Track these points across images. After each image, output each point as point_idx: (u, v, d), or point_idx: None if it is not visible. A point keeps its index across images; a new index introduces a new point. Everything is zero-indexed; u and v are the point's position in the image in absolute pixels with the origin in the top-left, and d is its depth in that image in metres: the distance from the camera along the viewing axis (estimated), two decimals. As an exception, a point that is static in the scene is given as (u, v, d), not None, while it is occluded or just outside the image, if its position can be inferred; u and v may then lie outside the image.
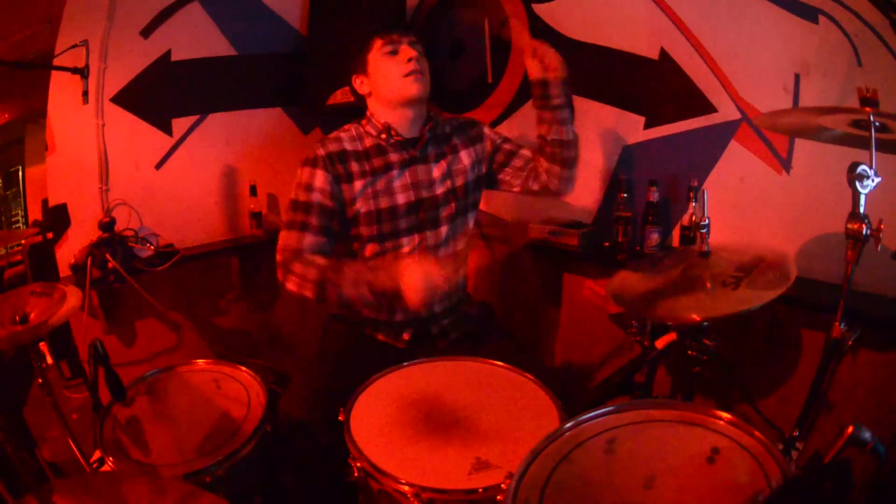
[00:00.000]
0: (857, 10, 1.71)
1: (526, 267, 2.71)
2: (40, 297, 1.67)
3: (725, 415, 1.03)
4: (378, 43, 1.73)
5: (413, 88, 1.70)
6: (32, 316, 1.59)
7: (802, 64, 1.87)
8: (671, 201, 2.20)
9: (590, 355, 2.53)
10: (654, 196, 2.14)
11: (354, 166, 1.73)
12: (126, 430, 1.41)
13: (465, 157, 1.87)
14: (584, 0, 2.37)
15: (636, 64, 2.23)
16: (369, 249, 1.77)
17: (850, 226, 1.30)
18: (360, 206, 1.72)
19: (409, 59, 1.70)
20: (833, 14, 1.77)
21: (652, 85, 2.21)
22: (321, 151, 1.73)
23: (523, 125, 2.68)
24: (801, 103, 1.89)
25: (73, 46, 2.28)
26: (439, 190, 1.80)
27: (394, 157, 1.76)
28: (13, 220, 2.47)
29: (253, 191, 2.76)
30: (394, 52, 1.71)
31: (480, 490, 1.10)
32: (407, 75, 1.69)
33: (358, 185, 1.72)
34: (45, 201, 2.36)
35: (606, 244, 2.35)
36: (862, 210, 1.29)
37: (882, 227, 1.29)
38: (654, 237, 2.15)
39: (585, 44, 2.37)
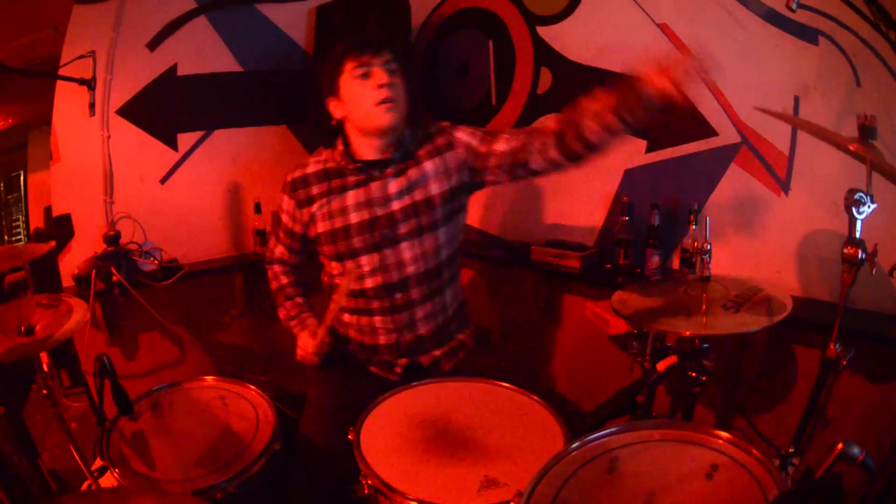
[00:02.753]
0: (856, 31, 1.76)
1: (527, 288, 2.75)
2: (46, 308, 1.68)
3: (723, 433, 1.09)
4: (349, 65, 1.65)
5: (385, 118, 1.64)
6: (38, 328, 1.61)
7: (802, 86, 1.93)
8: (672, 224, 2.26)
9: (591, 376, 2.58)
10: (655, 219, 2.20)
11: (315, 189, 1.76)
12: (132, 445, 1.44)
13: (431, 167, 1.73)
14: (587, 24, 2.45)
15: (638, 88, 2.31)
16: (334, 268, 1.81)
17: (846, 251, 1.35)
18: (319, 227, 1.76)
19: (381, 86, 1.62)
20: (833, 35, 1.83)
21: (654, 109, 2.28)
22: (288, 178, 1.81)
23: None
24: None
25: (81, 57, 2.33)
26: (396, 206, 1.70)
27: (351, 178, 1.74)
28: (14, 225, 2.49)
29: (257, 208, 2.81)
30: (366, 76, 1.64)
31: None
32: (379, 104, 1.63)
33: (315, 206, 1.76)
34: (47, 209, 2.40)
35: (608, 266, 2.41)
36: (858, 235, 1.34)
37: (877, 250, 1.34)
38: (655, 260, 2.22)
39: (588, 67, 2.45)
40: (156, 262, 2.46)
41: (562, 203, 2.69)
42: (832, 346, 1.41)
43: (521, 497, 1.02)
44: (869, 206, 1.33)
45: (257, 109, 2.90)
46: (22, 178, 2.49)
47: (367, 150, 1.73)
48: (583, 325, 2.51)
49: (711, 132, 2.14)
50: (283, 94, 2.94)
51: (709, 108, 2.14)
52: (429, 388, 1.59)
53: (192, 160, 2.70)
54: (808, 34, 1.88)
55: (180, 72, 2.61)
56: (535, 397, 1.51)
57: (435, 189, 1.72)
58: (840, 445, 0.74)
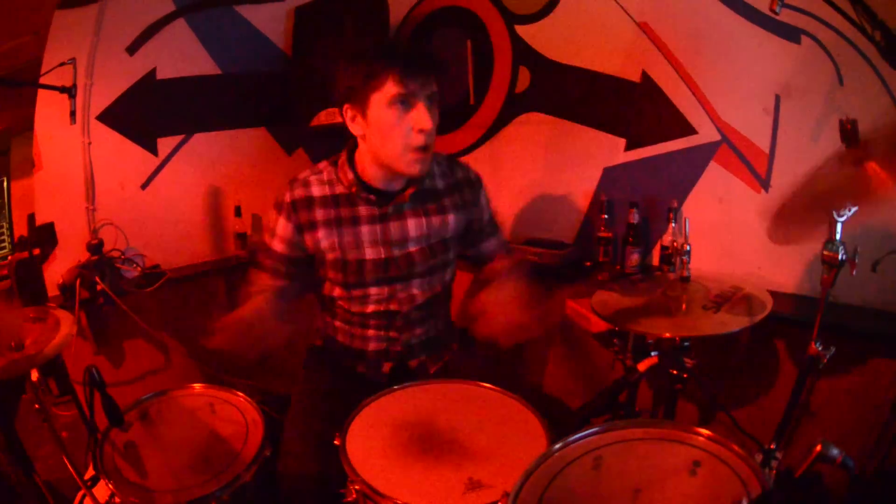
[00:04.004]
0: (840, 29, 1.78)
1: None
2: (34, 322, 1.68)
3: (705, 431, 1.13)
4: (390, 83, 1.41)
5: (414, 168, 1.50)
6: (27, 342, 1.61)
7: (783, 85, 1.97)
8: (651, 221, 2.32)
9: (574, 372, 2.62)
10: (635, 217, 2.25)
11: (319, 213, 1.62)
12: (125, 456, 1.45)
13: (453, 219, 1.69)
14: (567, 23, 2.47)
15: (618, 86, 2.34)
16: (337, 292, 1.72)
17: (825, 253, 1.37)
18: (327, 254, 1.64)
19: (422, 131, 1.45)
20: (816, 34, 1.86)
21: (633, 107, 2.32)
22: (288, 198, 1.63)
23: (504, 147, 2.80)
24: (781, 124, 1.99)
25: (61, 64, 2.33)
26: (413, 248, 1.65)
27: (363, 210, 1.62)
28: None
29: (237, 212, 2.84)
30: (406, 106, 1.44)
31: None
32: (413, 150, 1.47)
33: (321, 233, 1.62)
34: (31, 217, 2.40)
35: (588, 263, 2.46)
36: (838, 237, 1.36)
37: (858, 252, 1.36)
38: (635, 257, 2.27)
39: (568, 66, 2.48)
40: (138, 268, 2.47)
41: (542, 201, 2.72)
42: (813, 346, 1.44)
43: (507, 497, 1.05)
44: (850, 209, 1.34)
45: (236, 112, 2.91)
46: (5, 184, 2.48)
47: (381, 180, 1.60)
48: (565, 323, 2.54)
49: (691, 130, 2.18)
50: (261, 95, 2.95)
51: (688, 106, 2.18)
52: (413, 390, 1.60)
53: (173, 164, 2.71)
54: (790, 33, 1.91)
55: (160, 75, 2.62)
56: (518, 398, 1.53)
57: (452, 233, 1.71)
58: (818, 447, 0.78)
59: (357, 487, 1.26)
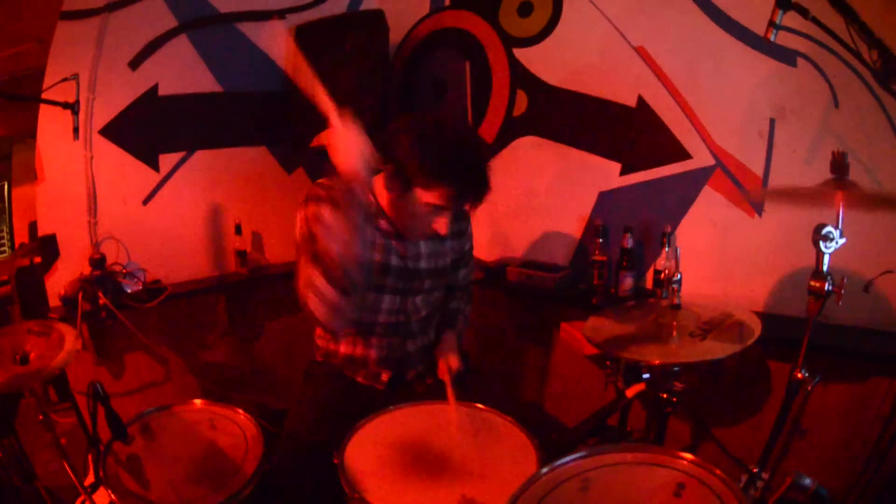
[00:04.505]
0: (836, 51, 1.82)
1: (503, 306, 2.84)
2: (38, 336, 1.73)
3: (688, 455, 1.18)
4: (441, 190, 1.58)
5: (416, 236, 1.77)
6: (32, 356, 1.65)
7: (778, 108, 2.02)
8: (645, 245, 2.38)
9: (567, 393, 2.68)
10: (629, 242, 2.31)
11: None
12: (128, 469, 1.49)
13: (450, 245, 1.92)
14: (564, 47, 2.54)
15: (614, 111, 2.40)
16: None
17: (812, 283, 1.43)
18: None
19: (440, 227, 1.66)
20: (812, 56, 1.91)
21: (629, 132, 2.38)
22: (324, 192, 1.64)
23: (502, 169, 2.81)
24: (775, 148, 2.05)
25: (64, 80, 2.37)
26: (423, 265, 1.85)
27: (383, 223, 1.77)
28: None
29: (238, 230, 2.88)
30: (437, 210, 1.63)
31: None
32: (424, 228, 1.69)
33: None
34: (32, 224, 2.43)
35: (583, 286, 2.52)
36: (825, 268, 1.41)
37: (844, 283, 1.41)
38: (629, 281, 2.33)
39: (564, 90, 2.56)
40: (140, 283, 2.51)
41: (538, 223, 2.79)
42: (798, 372, 1.49)
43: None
44: (837, 242, 1.39)
45: (237, 130, 2.95)
46: (6, 189, 2.51)
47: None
48: (558, 344, 2.61)
49: (685, 155, 2.24)
50: (262, 114, 2.99)
51: (683, 130, 2.24)
52: (408, 410, 1.66)
53: (174, 181, 2.74)
54: (786, 56, 1.96)
55: (161, 91, 2.65)
56: (510, 418, 1.59)
57: (451, 260, 1.93)
58: (789, 478, 0.83)
59: (356, 505, 1.31)
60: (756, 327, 1.63)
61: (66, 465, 1.65)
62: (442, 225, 1.66)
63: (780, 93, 2.01)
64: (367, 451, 1.48)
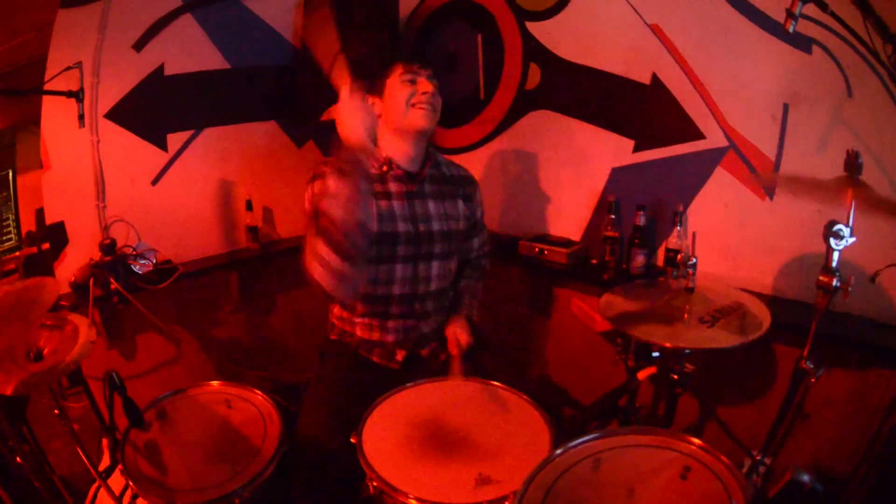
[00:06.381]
0: (852, 42, 1.85)
1: (515, 281, 2.92)
2: (52, 330, 1.74)
3: (696, 440, 1.27)
4: (399, 69, 1.90)
5: (421, 121, 1.88)
6: (46, 352, 1.67)
7: (792, 94, 2.05)
8: (657, 223, 2.43)
9: (577, 368, 2.77)
10: (641, 220, 2.38)
11: None
12: (147, 457, 1.56)
13: (461, 207, 2.07)
14: (578, 21, 2.57)
15: (628, 88, 2.44)
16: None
17: (821, 278, 1.48)
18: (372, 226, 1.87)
19: (424, 93, 1.88)
20: (827, 44, 1.94)
21: (642, 109, 2.42)
22: (328, 168, 1.69)
23: (514, 142, 2.92)
24: (788, 133, 2.08)
25: (67, 69, 2.38)
26: (436, 227, 1.97)
27: (393, 186, 1.92)
28: (4, 224, 2.54)
29: (249, 205, 2.95)
30: (412, 82, 1.89)
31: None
32: (418, 106, 1.87)
33: (372, 204, 1.82)
34: (39, 211, 2.47)
35: (594, 261, 2.59)
36: (835, 265, 1.46)
37: (851, 281, 1.46)
38: (640, 258, 2.40)
39: (578, 65, 2.59)
40: (151, 264, 2.56)
41: (551, 198, 2.84)
42: (804, 364, 1.55)
43: (514, 497, 1.20)
44: (847, 240, 1.44)
45: (246, 106, 3.00)
46: (11, 177, 2.54)
47: (403, 157, 1.95)
48: (569, 319, 2.68)
49: (699, 135, 2.28)
50: (271, 89, 3.04)
51: (697, 110, 2.27)
52: (423, 388, 1.75)
53: (183, 160, 2.80)
54: (801, 42, 1.99)
55: (167, 71, 2.68)
56: (524, 396, 1.68)
57: (462, 225, 2.07)
58: (788, 474, 0.90)
59: (375, 484, 1.40)
60: (765, 321, 1.68)
61: (81, 453, 1.69)
62: (425, 84, 1.88)
63: (795, 78, 2.04)
64: (384, 430, 1.57)
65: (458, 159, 3.00)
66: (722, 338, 1.61)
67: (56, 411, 1.76)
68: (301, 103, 3.04)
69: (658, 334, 1.65)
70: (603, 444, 1.32)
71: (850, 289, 1.46)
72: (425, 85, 1.89)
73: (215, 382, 1.88)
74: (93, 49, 2.47)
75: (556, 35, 2.66)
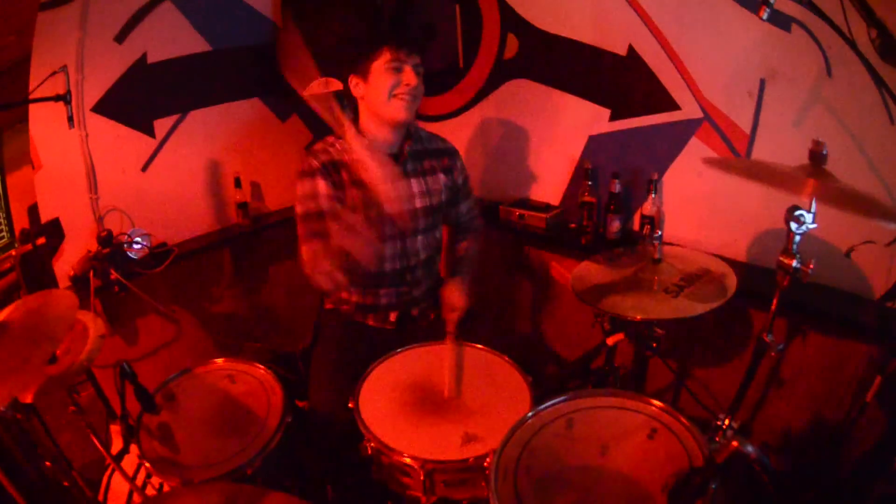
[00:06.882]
0: (834, 22, 1.82)
1: (495, 245, 3.01)
2: None
3: (657, 402, 1.44)
4: (386, 55, 1.91)
5: (402, 113, 1.95)
6: (59, 353, 1.73)
7: (769, 70, 2.10)
8: (633, 189, 2.55)
9: (558, 328, 2.93)
10: (616, 187, 2.50)
11: (345, 175, 1.98)
12: (161, 440, 1.68)
13: (442, 179, 2.17)
14: (554, -7, 2.61)
15: (604, 58, 2.51)
16: None
17: (782, 258, 1.56)
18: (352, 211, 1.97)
19: (408, 84, 1.92)
20: (807, 23, 1.97)
21: (618, 79, 2.50)
22: (316, 163, 1.96)
23: (493, 110, 3.02)
24: (763, 109, 2.15)
25: (53, 73, 2.40)
26: (419, 204, 2.09)
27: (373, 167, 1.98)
28: None
29: (237, 182, 3.06)
30: (397, 70, 1.92)
31: (471, 460, 1.46)
32: (400, 97, 1.92)
33: (350, 192, 1.97)
34: (31, 208, 2.51)
35: (573, 226, 2.73)
36: (795, 248, 1.53)
37: (811, 266, 1.53)
38: (616, 224, 2.54)
39: (556, 36, 2.66)
40: (146, 249, 2.68)
41: (530, 164, 2.96)
42: (765, 336, 1.65)
43: (494, 454, 1.36)
44: (807, 226, 1.49)
45: (229, 85, 3.07)
46: None
47: (382, 140, 2.03)
48: (549, 281, 2.83)
49: (674, 106, 2.36)
50: (253, 67, 3.11)
51: (672, 82, 2.35)
52: (415, 352, 1.92)
53: (171, 144, 2.88)
54: (780, 20, 2.01)
55: (150, 59, 2.73)
56: (506, 358, 1.85)
57: (444, 197, 2.18)
58: (734, 443, 1.03)
59: (372, 444, 1.57)
60: (731, 286, 1.79)
61: (97, 442, 1.77)
62: (410, 76, 1.92)
63: (773, 55, 2.07)
64: (378, 394, 1.74)
65: (440, 126, 3.17)
66: (686, 307, 1.73)
67: (72, 408, 1.85)
68: (283, 79, 3.07)
69: (625, 305, 1.79)
70: (574, 405, 1.49)
71: (809, 270, 1.52)
72: (410, 76, 1.93)
73: (219, 360, 1.99)
74: (75, 47, 2.50)
75: (532, 6, 2.72)
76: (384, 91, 1.93)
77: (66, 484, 1.58)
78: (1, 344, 1.33)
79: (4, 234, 2.52)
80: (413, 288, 2.16)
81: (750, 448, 1.02)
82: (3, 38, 2.39)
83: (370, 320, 2.16)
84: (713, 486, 1.09)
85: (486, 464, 1.45)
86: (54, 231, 2.56)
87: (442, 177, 2.18)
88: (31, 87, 2.37)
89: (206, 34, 2.92)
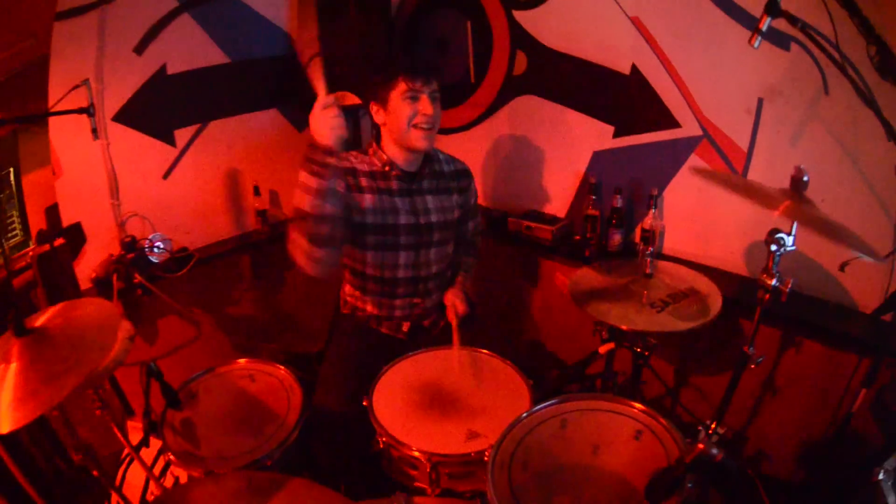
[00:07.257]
0: (833, 41, 1.90)
1: (505, 254, 3.16)
2: None
3: (640, 405, 1.56)
4: (401, 85, 2.00)
5: (420, 143, 2.06)
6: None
7: (768, 89, 2.19)
8: (634, 204, 2.68)
9: (561, 336, 3.07)
10: (618, 202, 2.63)
11: (364, 181, 2.09)
12: (184, 434, 1.79)
13: (455, 199, 2.29)
14: (564, 12, 2.75)
15: (609, 77, 2.64)
16: (370, 257, 2.16)
17: (762, 276, 1.65)
18: (369, 218, 2.08)
19: (425, 115, 2.01)
20: (806, 43, 2.03)
21: (622, 98, 2.62)
22: (310, 164, 1.92)
23: (504, 124, 3.15)
24: (761, 127, 2.25)
25: (75, 87, 2.45)
26: (434, 218, 2.20)
27: (395, 184, 2.13)
28: (9, 222, 2.56)
29: (256, 191, 3.19)
30: (414, 99, 2.01)
31: (472, 454, 1.60)
32: (418, 128, 2.03)
33: (368, 198, 2.07)
34: (49, 210, 2.57)
35: (577, 237, 2.87)
36: (775, 268, 1.62)
37: (789, 284, 1.63)
38: (617, 238, 2.67)
39: (562, 54, 2.79)
40: (167, 253, 2.80)
41: (537, 177, 3.09)
42: (746, 349, 1.76)
43: (492, 448, 1.50)
44: (787, 248, 1.58)
45: (248, 97, 3.20)
46: (12, 175, 2.55)
47: (403, 161, 2.15)
48: (554, 291, 2.96)
49: (675, 124, 2.48)
50: (271, 78, 3.23)
51: (673, 101, 2.47)
52: (425, 356, 2.06)
53: (191, 153, 3.01)
54: (780, 39, 2.11)
55: (170, 70, 2.84)
56: (508, 362, 1.99)
57: (457, 214, 2.30)
58: (700, 446, 1.13)
59: (384, 439, 1.72)
60: (714, 308, 1.91)
61: (121, 436, 1.78)
62: (426, 106, 2.02)
63: (771, 74, 2.17)
64: (391, 393, 1.88)
65: (453, 139, 3.30)
66: (668, 323, 1.87)
67: (98, 404, 1.81)
68: (299, 90, 3.14)
69: (612, 314, 1.93)
70: (568, 407, 1.62)
71: (787, 289, 1.61)
72: (426, 106, 2.02)
73: (242, 360, 2.11)
74: (94, 57, 2.58)
75: (541, 24, 2.84)
76: (403, 120, 2.03)
77: (95, 473, 1.64)
78: (41, 349, 1.40)
79: (18, 231, 2.54)
80: (425, 299, 2.29)
81: (715, 451, 1.11)
82: (17, 43, 2.43)
83: (384, 328, 2.31)
84: (689, 484, 1.19)
85: (486, 458, 1.56)
86: (76, 235, 2.65)
87: (456, 196, 2.30)
88: (49, 97, 2.44)
89: (224, 46, 3.03)
